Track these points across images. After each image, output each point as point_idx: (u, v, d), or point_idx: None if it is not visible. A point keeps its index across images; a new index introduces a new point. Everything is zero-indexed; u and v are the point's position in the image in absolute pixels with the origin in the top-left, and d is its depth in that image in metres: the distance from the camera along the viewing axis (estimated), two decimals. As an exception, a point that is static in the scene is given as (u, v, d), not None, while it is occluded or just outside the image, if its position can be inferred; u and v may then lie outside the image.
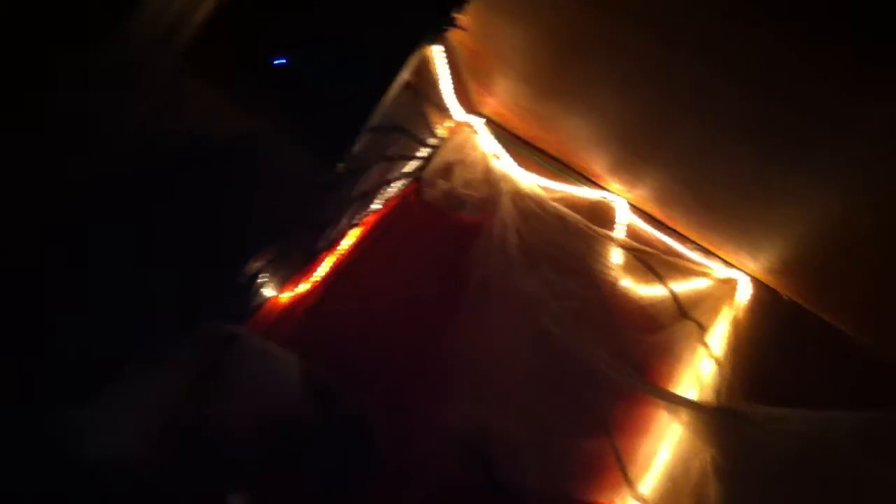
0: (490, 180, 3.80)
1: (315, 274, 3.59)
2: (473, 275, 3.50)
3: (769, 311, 3.54)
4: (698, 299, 3.74)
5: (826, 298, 3.32)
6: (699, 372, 3.62)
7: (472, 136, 3.91)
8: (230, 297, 3.31)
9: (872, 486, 2.66)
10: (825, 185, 2.41)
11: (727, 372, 3.49)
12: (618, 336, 3.51)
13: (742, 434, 3.20)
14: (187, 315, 2.95)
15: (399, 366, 3.39)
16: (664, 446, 3.49)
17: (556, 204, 3.73)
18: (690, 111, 2.52)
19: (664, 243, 3.77)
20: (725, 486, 3.04)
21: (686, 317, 3.70)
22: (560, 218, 3.69)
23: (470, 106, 3.91)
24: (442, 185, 3.81)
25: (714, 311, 3.72)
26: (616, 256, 3.79)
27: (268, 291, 3.45)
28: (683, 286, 3.78)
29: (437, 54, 3.17)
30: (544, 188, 3.83)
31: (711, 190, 3.10)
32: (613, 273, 3.73)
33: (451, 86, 3.56)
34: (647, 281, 3.79)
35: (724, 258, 3.73)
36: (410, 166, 3.88)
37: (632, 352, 3.52)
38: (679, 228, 3.74)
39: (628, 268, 3.78)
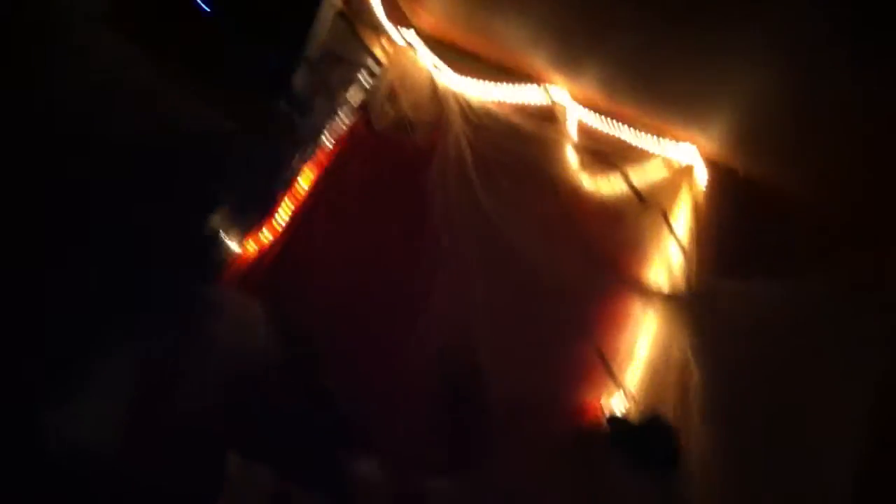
0: (438, 99, 3.71)
1: (276, 221, 3.54)
2: (435, 198, 3.47)
3: (727, 190, 3.58)
4: (659, 188, 3.76)
5: (783, 172, 3.39)
6: (668, 259, 3.69)
7: (413, 55, 3.79)
8: (195, 256, 3.28)
9: (835, 346, 2.81)
10: (762, 51, 2.51)
11: (693, 256, 3.57)
12: (584, 236, 3.54)
13: (715, 313, 3.32)
14: (156, 282, 2.92)
15: (374, 302, 3.41)
16: (643, 339, 3.57)
17: (506, 113, 3.67)
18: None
19: (615, 137, 3.75)
20: (704, 369, 3.18)
21: (648, 207, 3.73)
22: (512, 126, 3.64)
23: (406, 23, 3.77)
24: (389, 111, 3.71)
25: (675, 198, 3.75)
26: (572, 157, 3.77)
27: (232, 244, 3.42)
28: (642, 177, 3.78)
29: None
30: (494, 103, 3.75)
31: (654, 72, 3.13)
32: (571, 174, 3.73)
33: (382, 5, 3.43)
34: (605, 176, 3.78)
35: (677, 139, 3.73)
36: (356, 97, 3.77)
37: (600, 249, 3.56)
38: (628, 116, 3.71)
39: (585, 166, 3.76)
